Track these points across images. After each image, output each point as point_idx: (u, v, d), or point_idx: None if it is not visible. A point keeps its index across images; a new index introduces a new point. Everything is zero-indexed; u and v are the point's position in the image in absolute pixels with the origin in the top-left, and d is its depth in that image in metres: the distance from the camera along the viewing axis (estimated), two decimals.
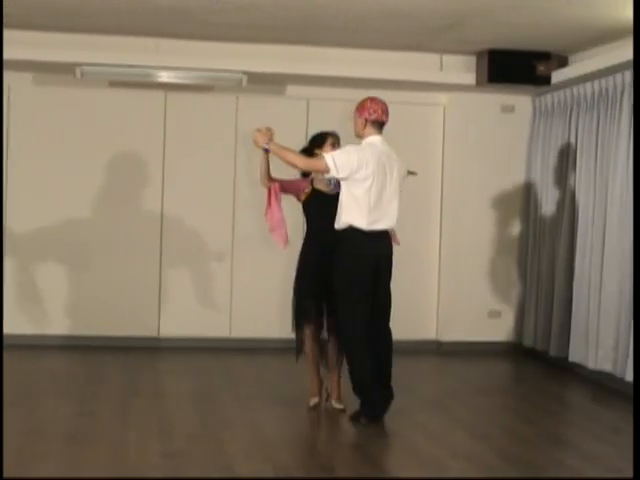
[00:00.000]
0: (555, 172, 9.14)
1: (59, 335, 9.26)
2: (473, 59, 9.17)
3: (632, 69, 7.72)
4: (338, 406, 6.93)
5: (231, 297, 9.57)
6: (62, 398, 7.11)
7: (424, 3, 7.23)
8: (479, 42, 8.63)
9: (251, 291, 9.55)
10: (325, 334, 6.97)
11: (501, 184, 9.74)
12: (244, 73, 8.86)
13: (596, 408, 7.60)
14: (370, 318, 6.60)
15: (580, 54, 8.73)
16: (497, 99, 9.65)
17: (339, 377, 7.00)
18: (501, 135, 9.72)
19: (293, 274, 7.13)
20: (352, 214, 6.52)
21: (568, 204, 8.83)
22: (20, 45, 8.44)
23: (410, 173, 6.92)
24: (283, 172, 7.00)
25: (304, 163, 6.61)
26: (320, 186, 6.98)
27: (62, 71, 8.96)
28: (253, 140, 6.66)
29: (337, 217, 6.62)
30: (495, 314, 9.75)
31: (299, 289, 6.98)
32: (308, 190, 6.99)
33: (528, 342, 9.48)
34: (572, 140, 8.86)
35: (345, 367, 6.81)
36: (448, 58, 9.22)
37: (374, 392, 6.61)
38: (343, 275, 6.56)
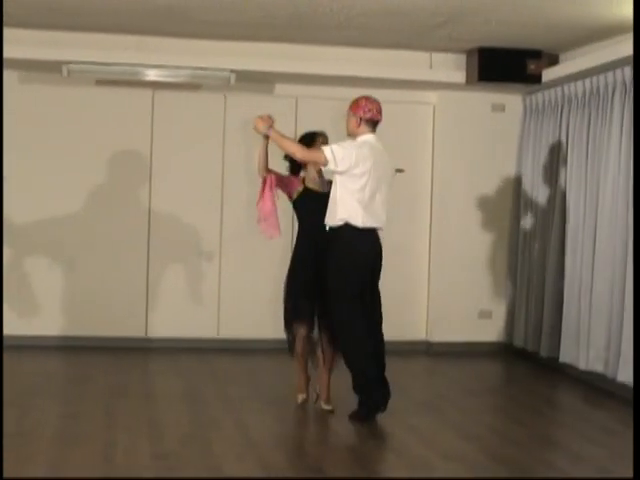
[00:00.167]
0: (546, 171, 9.11)
1: (46, 335, 9.19)
2: (463, 57, 9.13)
3: (626, 67, 7.69)
4: (327, 407, 6.89)
5: (219, 297, 9.51)
6: (50, 399, 7.07)
7: (414, 1, 7.18)
8: (469, 40, 8.59)
9: (239, 291, 9.50)
10: (315, 334, 6.94)
11: (491, 183, 9.70)
12: (232, 71, 8.81)
13: (587, 409, 7.56)
14: (369, 321, 6.62)
15: (571, 52, 8.69)
16: (487, 98, 9.61)
17: (329, 378, 6.96)
18: (491, 134, 9.69)
19: (282, 273, 7.13)
20: (348, 211, 6.51)
21: (559, 203, 8.79)
22: (6, 43, 8.36)
23: (398, 171, 6.92)
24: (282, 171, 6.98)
25: (303, 153, 6.59)
26: (312, 185, 6.95)
27: (48, 69, 8.90)
28: (254, 126, 6.66)
29: (330, 214, 6.59)
30: (486, 314, 9.71)
31: (293, 288, 6.96)
32: (300, 189, 6.95)
33: (519, 342, 9.44)
34: (563, 139, 8.82)
35: (339, 368, 6.80)
36: (438, 56, 9.18)
37: (375, 391, 6.59)
38: (339, 273, 6.54)
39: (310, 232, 6.88)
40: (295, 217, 7.15)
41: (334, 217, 6.56)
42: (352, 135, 6.68)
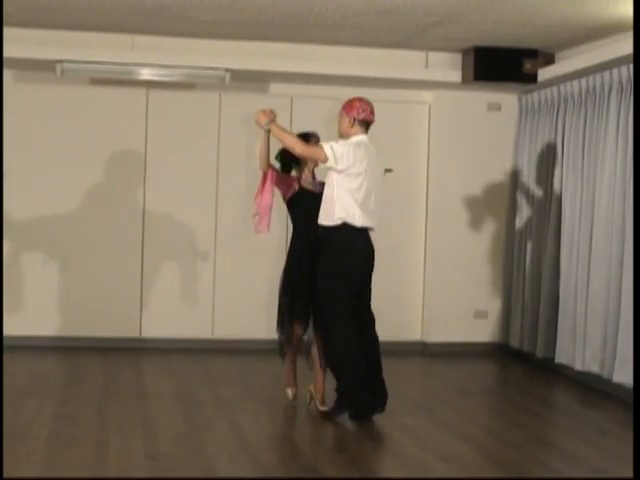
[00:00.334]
0: (542, 170, 9.08)
1: (40, 336, 9.15)
2: (459, 57, 9.11)
3: (623, 66, 7.66)
4: (322, 408, 6.86)
5: (214, 297, 9.47)
6: (44, 399, 7.04)
7: (409, 0, 7.15)
8: (465, 39, 8.56)
9: (234, 291, 9.46)
10: (309, 334, 6.93)
11: (487, 183, 9.67)
12: (227, 70, 8.78)
13: (583, 410, 7.54)
14: (360, 321, 6.63)
15: (567, 52, 8.67)
16: (483, 97, 9.58)
17: (324, 379, 6.93)
18: (487, 133, 9.66)
19: (277, 273, 7.12)
20: (346, 210, 6.52)
21: (555, 203, 8.77)
22: None
23: (387, 171, 6.94)
24: None
25: (302, 148, 6.56)
26: (307, 185, 6.94)
27: (42, 68, 8.86)
28: (255, 120, 6.65)
29: (325, 214, 6.58)
30: (481, 314, 9.68)
31: (289, 288, 6.96)
32: (296, 188, 6.93)
33: (515, 343, 9.41)
34: (559, 138, 8.80)
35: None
36: (434, 55, 9.16)
37: (362, 393, 6.56)
38: (335, 273, 6.54)
39: (305, 232, 6.87)
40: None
41: (331, 217, 6.54)
42: (344, 136, 6.68)
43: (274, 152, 6.95)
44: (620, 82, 7.76)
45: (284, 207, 7.09)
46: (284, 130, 6.61)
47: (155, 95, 9.37)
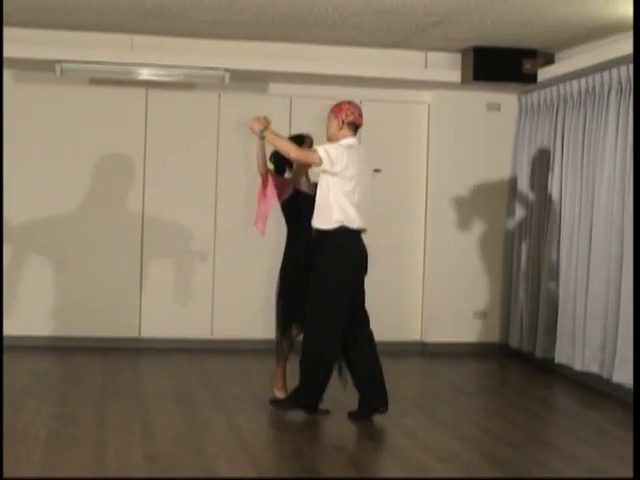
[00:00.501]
0: (541, 171, 9.08)
1: (39, 336, 9.15)
2: (458, 56, 9.10)
3: (622, 66, 7.66)
4: (322, 408, 6.85)
5: (213, 297, 9.47)
6: (42, 399, 7.04)
7: (409, 0, 7.14)
8: (464, 39, 8.55)
9: (233, 291, 9.45)
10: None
11: (486, 183, 9.66)
12: (226, 70, 8.77)
13: (582, 410, 7.54)
14: (353, 320, 6.65)
15: (567, 51, 8.67)
16: (483, 97, 9.57)
17: None
18: (487, 133, 9.65)
19: (276, 274, 7.11)
20: (345, 213, 6.53)
21: (554, 202, 8.76)
22: None
23: (375, 171, 6.96)
24: None
25: (297, 153, 6.57)
26: (302, 187, 6.95)
27: (42, 68, 8.85)
28: (249, 127, 6.64)
29: (321, 217, 6.58)
30: (480, 315, 9.68)
31: (287, 290, 6.98)
32: (291, 190, 6.94)
33: (514, 343, 9.40)
34: (558, 138, 8.79)
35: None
36: (433, 55, 9.15)
37: (316, 385, 6.64)
38: (331, 276, 6.55)
39: (301, 234, 6.88)
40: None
41: (328, 219, 6.54)
42: (333, 139, 6.69)
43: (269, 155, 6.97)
44: (620, 82, 7.75)
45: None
46: (278, 136, 6.59)
47: (154, 95, 9.36)
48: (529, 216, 9.27)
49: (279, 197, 6.98)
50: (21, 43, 8.48)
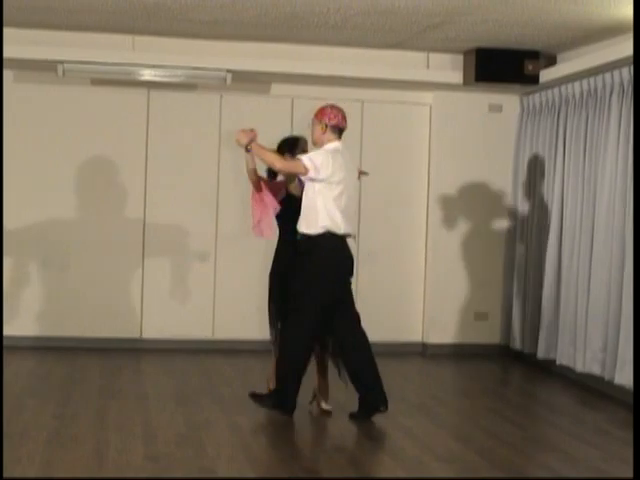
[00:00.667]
0: (543, 172, 9.07)
1: (41, 336, 9.15)
2: (460, 58, 9.10)
3: (623, 68, 7.65)
4: (327, 407, 6.91)
5: (214, 298, 9.47)
6: (43, 400, 7.03)
7: (411, 1, 7.14)
8: (466, 40, 8.55)
9: (234, 292, 9.45)
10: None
11: (488, 184, 9.66)
12: (228, 71, 8.78)
13: (583, 411, 7.52)
14: (345, 321, 6.72)
15: (569, 53, 8.66)
16: (484, 98, 9.58)
17: (327, 379, 6.98)
18: (488, 135, 9.65)
19: None
20: (331, 218, 6.54)
21: (556, 204, 8.75)
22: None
23: (362, 173, 6.96)
24: None
25: (281, 164, 6.62)
26: (294, 191, 6.97)
27: (44, 69, 8.87)
28: (236, 139, 6.68)
29: (307, 222, 6.61)
30: (482, 316, 9.67)
31: (278, 293, 7.08)
32: (284, 194, 6.97)
33: (515, 344, 9.39)
34: (560, 140, 8.79)
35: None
36: (435, 56, 9.15)
37: (291, 386, 6.63)
38: (316, 280, 6.58)
39: (291, 237, 6.88)
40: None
41: (314, 225, 6.56)
42: (318, 143, 6.72)
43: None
44: (621, 84, 7.75)
45: None
46: (263, 148, 6.63)
47: (156, 96, 9.36)
48: (531, 217, 9.26)
49: (274, 198, 7.01)
50: (23, 44, 8.50)
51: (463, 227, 9.63)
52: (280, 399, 6.66)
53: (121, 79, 8.94)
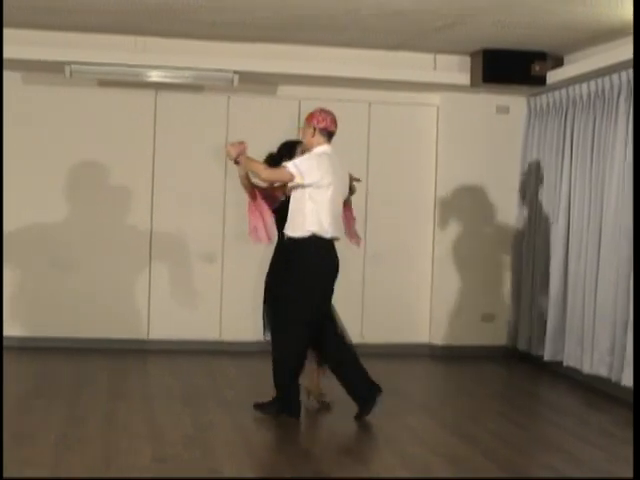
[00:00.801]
0: (550, 173, 9.06)
1: (48, 337, 9.16)
2: (467, 59, 9.09)
3: (631, 69, 7.64)
4: (325, 400, 7.00)
5: (221, 299, 9.48)
6: (51, 401, 7.04)
7: (418, 2, 7.14)
8: (473, 42, 8.55)
9: (241, 293, 9.45)
10: None
11: (495, 185, 9.65)
12: (235, 73, 8.78)
13: (589, 412, 7.51)
14: (322, 325, 6.73)
15: (576, 54, 8.64)
16: (491, 99, 9.56)
17: (318, 373, 7.12)
18: (496, 136, 9.64)
19: None
20: (319, 222, 6.55)
21: (563, 206, 8.74)
22: (8, 43, 8.36)
23: (355, 180, 6.97)
24: None
25: (267, 174, 6.65)
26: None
27: (51, 70, 8.88)
28: (226, 153, 6.77)
29: (294, 225, 6.63)
30: (489, 317, 9.66)
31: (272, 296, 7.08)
32: (282, 197, 7.01)
33: (522, 346, 9.38)
34: (567, 141, 8.77)
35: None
36: (442, 58, 9.13)
37: (293, 391, 6.67)
38: (301, 283, 6.58)
39: None
40: None
41: (301, 228, 6.58)
42: (308, 146, 6.75)
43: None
44: (629, 85, 7.73)
45: None
46: (252, 160, 6.67)
47: (163, 97, 9.37)
48: (538, 219, 9.25)
49: (270, 206, 7.04)
50: (30, 45, 8.49)
51: (470, 228, 9.62)
52: (284, 405, 6.68)
53: (128, 80, 8.96)
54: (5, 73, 9.03)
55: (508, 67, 8.81)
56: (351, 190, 7.00)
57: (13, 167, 9.12)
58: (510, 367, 9.31)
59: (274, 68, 8.89)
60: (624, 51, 7.53)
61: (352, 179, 6.96)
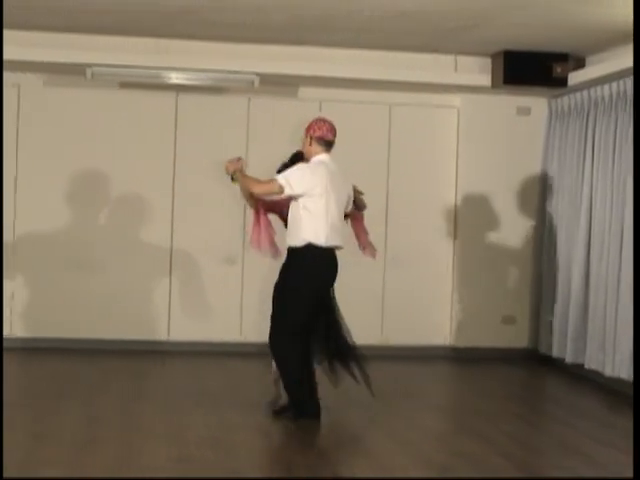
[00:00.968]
0: (571, 175, 9.02)
1: (68, 338, 9.19)
2: (488, 60, 9.06)
3: (632, 74, 7.60)
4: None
5: (242, 301, 9.49)
6: (71, 401, 7.07)
7: (439, 4, 7.14)
8: (494, 43, 8.53)
9: (262, 295, 9.41)
10: None
11: (516, 187, 9.62)
12: (256, 74, 8.80)
13: (610, 415, 7.47)
14: (319, 329, 6.77)
15: (598, 55, 8.60)
16: (512, 101, 9.54)
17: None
18: (517, 138, 9.61)
19: None
20: (314, 231, 6.56)
21: (585, 208, 8.70)
22: (30, 46, 8.42)
23: (358, 192, 6.94)
24: None
25: (257, 188, 6.69)
26: None
27: (73, 72, 8.92)
28: (224, 169, 6.82)
29: (293, 234, 6.64)
30: (509, 320, 9.62)
31: None
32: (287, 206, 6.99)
33: (543, 349, 9.35)
34: (589, 143, 8.74)
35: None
36: (463, 59, 9.12)
37: (304, 393, 6.66)
38: (296, 291, 6.60)
39: None
40: None
41: (297, 237, 6.60)
42: (307, 156, 6.75)
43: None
44: (632, 86, 7.70)
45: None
46: (246, 177, 6.71)
47: (184, 99, 9.39)
48: (559, 221, 9.22)
49: (280, 213, 7.02)
50: (52, 47, 8.54)
51: (490, 230, 9.60)
52: (300, 410, 6.67)
53: (149, 82, 8.99)
54: (26, 75, 9.08)
55: (529, 68, 8.79)
56: (362, 205, 7.00)
57: (33, 169, 9.16)
58: (531, 370, 9.29)
59: (295, 70, 8.90)
60: None
61: (357, 192, 6.93)
